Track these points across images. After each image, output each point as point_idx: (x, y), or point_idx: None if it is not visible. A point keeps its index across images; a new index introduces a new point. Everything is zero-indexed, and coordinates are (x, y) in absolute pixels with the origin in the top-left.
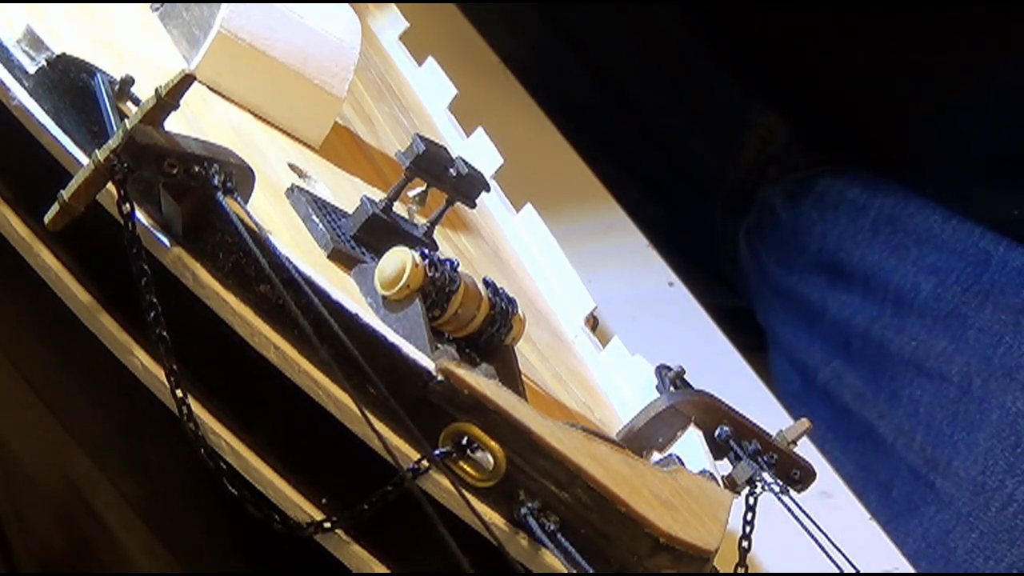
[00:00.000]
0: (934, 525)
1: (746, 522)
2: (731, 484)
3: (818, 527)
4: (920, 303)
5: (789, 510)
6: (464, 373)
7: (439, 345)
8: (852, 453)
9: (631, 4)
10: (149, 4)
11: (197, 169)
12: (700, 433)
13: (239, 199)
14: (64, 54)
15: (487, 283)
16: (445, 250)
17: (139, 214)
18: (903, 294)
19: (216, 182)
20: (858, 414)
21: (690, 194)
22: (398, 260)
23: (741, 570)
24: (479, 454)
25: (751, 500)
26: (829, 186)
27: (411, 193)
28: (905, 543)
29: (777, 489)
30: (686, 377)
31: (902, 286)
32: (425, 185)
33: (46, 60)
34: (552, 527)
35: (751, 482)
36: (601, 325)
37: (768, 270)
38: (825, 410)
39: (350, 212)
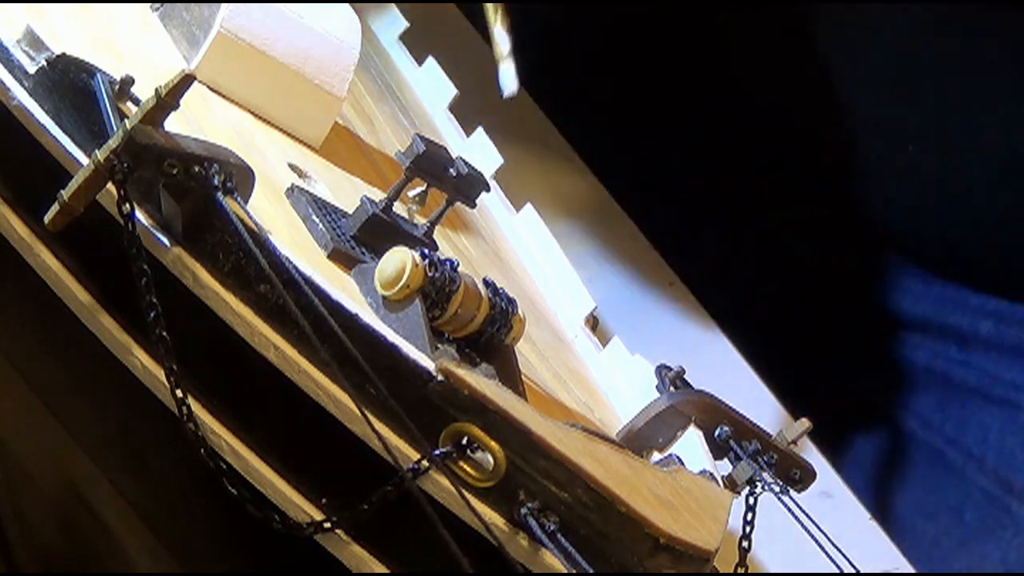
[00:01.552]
0: (1013, 548)
1: (746, 522)
2: (731, 484)
3: (818, 527)
4: (983, 340)
5: (789, 510)
6: (464, 373)
7: (439, 345)
8: (919, 479)
9: (631, 3)
10: (149, 4)
11: (197, 169)
12: (700, 433)
13: (239, 199)
14: (64, 54)
15: (487, 283)
16: (445, 250)
17: (139, 214)
18: (963, 334)
19: (216, 182)
20: (924, 441)
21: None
22: (398, 260)
23: (741, 570)
24: (479, 454)
25: (751, 500)
26: None
27: (411, 193)
28: (982, 566)
29: (777, 489)
30: (686, 377)
31: (960, 327)
32: (425, 185)
33: (46, 60)
34: (552, 527)
35: (751, 482)
36: (601, 325)
37: None
38: (887, 436)
39: (350, 212)
